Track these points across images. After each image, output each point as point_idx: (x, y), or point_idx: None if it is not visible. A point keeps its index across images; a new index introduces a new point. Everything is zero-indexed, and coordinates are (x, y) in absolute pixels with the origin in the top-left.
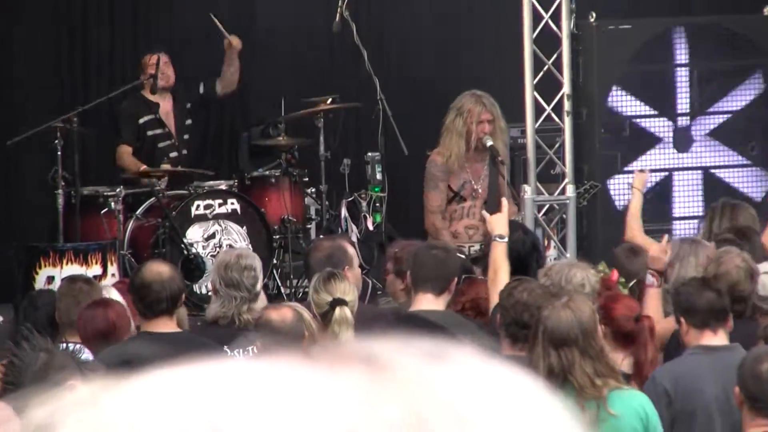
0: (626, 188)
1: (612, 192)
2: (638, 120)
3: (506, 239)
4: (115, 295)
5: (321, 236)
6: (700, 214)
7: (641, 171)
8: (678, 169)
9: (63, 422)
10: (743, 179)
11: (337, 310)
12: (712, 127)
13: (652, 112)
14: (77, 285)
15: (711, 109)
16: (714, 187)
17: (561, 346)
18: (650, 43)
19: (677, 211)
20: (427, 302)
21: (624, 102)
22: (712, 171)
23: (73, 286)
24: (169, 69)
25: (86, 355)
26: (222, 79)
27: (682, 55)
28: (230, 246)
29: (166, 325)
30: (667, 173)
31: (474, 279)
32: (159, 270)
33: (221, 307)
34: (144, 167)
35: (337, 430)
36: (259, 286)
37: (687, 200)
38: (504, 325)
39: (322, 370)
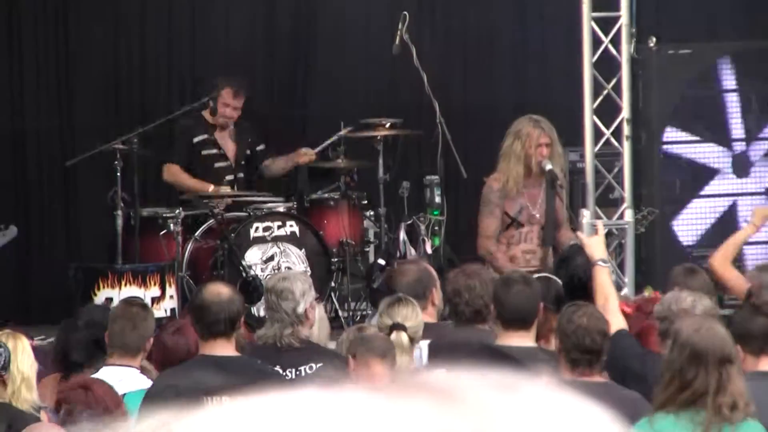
0: (687, 219)
1: (674, 223)
2: (695, 154)
3: (609, 264)
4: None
5: (396, 261)
6: None
7: (762, 208)
8: (742, 195)
9: None
10: None
11: (393, 335)
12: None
13: (707, 142)
14: (134, 308)
15: (762, 135)
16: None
17: (724, 363)
18: (708, 69)
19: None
20: (516, 338)
21: (679, 137)
22: None
23: (129, 309)
24: (236, 112)
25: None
26: (272, 164)
27: (728, 80)
28: (288, 268)
29: (224, 348)
30: (731, 200)
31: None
32: (218, 291)
33: (265, 330)
34: (212, 187)
35: None
36: (300, 309)
37: None
38: (564, 350)
39: (392, 399)
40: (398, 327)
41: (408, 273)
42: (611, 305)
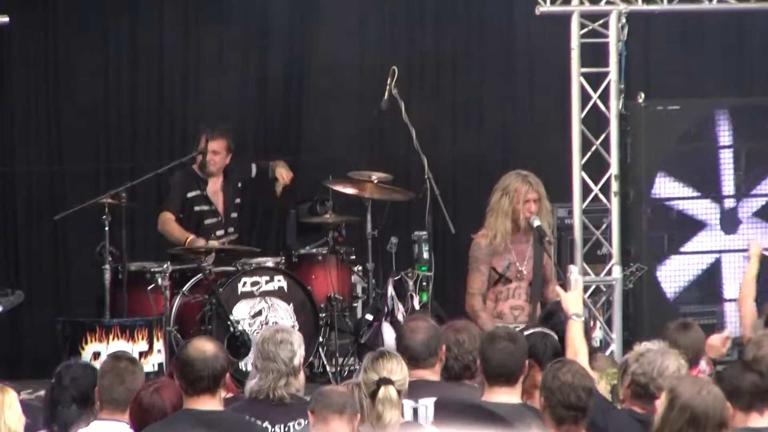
0: (672, 272)
1: (658, 274)
2: (684, 206)
3: (583, 318)
4: None
5: (404, 317)
6: None
7: (756, 241)
8: (727, 252)
9: None
10: None
11: (381, 390)
12: (757, 207)
13: (698, 195)
14: (122, 363)
15: (755, 191)
16: (765, 269)
17: (721, 428)
18: (698, 125)
19: (727, 293)
20: (502, 394)
21: (669, 187)
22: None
23: (118, 364)
24: (217, 156)
25: None
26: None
27: (725, 136)
28: (275, 323)
29: (208, 403)
30: (716, 256)
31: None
32: (203, 348)
33: (258, 381)
34: (191, 237)
35: None
36: (296, 361)
37: (737, 282)
38: (549, 407)
39: None
40: (386, 381)
41: (420, 330)
42: (580, 360)
